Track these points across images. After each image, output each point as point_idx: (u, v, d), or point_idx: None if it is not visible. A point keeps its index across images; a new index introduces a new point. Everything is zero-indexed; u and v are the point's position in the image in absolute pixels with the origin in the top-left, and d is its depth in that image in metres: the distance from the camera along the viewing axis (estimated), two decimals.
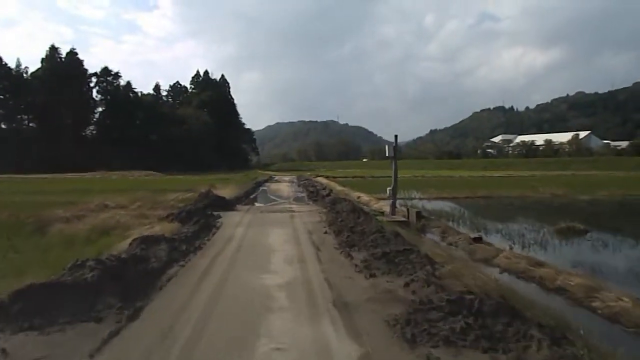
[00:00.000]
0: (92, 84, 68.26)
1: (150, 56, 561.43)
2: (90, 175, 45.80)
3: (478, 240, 8.62)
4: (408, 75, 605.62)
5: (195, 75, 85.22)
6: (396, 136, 10.83)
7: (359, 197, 16.57)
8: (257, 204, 16.64)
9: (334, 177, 35.84)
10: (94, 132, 69.70)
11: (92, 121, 70.00)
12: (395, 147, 10.81)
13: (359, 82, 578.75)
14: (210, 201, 13.52)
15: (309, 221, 10.59)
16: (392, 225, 9.43)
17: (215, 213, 11.72)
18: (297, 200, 18.27)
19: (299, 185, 28.82)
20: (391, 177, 11.31)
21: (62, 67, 63.93)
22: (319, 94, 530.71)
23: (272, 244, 8.02)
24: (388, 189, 11.60)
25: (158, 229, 8.83)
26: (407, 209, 11.53)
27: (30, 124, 64.58)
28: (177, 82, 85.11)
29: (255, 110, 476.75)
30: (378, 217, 10.57)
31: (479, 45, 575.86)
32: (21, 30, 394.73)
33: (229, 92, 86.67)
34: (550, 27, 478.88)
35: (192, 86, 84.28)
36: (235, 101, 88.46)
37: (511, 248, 8.53)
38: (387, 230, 8.00)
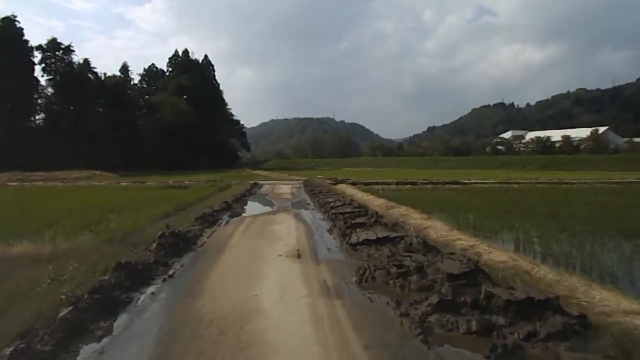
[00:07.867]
0: (36, 61, 50.91)
1: (143, 52, 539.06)
2: None
3: None
4: (405, 72, 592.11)
5: (174, 55, 67.01)
6: None
7: None
8: None
9: (365, 184, 19.71)
10: (42, 122, 52.60)
11: (40, 108, 52.82)
12: None
13: (356, 79, 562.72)
14: None
15: None
16: None
17: None
18: None
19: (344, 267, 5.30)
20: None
21: None
22: (314, 90, 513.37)
23: None
24: None
25: None
26: None
27: None
28: (153, 64, 67.24)
29: (249, 107, 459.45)
30: None
31: (476, 41, 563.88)
32: None
33: (214, 76, 69.10)
34: (548, 21, 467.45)
35: (170, 68, 66.79)
36: (222, 88, 71.32)
37: None
38: None
